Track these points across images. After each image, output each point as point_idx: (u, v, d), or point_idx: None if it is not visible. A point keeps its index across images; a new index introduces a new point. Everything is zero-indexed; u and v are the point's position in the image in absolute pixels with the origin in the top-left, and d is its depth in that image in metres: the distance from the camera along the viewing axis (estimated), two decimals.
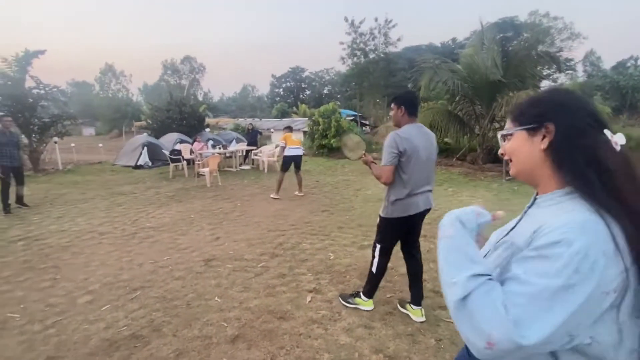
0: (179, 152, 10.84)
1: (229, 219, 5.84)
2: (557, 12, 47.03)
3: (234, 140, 14.88)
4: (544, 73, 12.19)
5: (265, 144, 14.38)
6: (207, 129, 17.36)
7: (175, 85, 51.61)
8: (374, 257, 2.82)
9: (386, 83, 26.19)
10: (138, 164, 12.01)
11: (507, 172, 7.57)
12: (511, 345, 0.63)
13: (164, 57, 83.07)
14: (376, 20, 22.27)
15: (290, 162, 7.36)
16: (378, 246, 2.79)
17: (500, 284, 0.71)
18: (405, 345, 2.49)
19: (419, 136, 2.57)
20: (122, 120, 34.57)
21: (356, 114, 20.93)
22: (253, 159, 12.33)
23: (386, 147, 2.54)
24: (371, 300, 2.95)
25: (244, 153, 12.57)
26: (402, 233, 2.75)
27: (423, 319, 2.77)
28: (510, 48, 15.09)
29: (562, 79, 27.21)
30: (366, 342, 2.53)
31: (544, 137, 0.80)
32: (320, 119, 14.29)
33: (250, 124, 14.90)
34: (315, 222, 5.55)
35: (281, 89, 52.40)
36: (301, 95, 49.54)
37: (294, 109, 29.22)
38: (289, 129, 7.94)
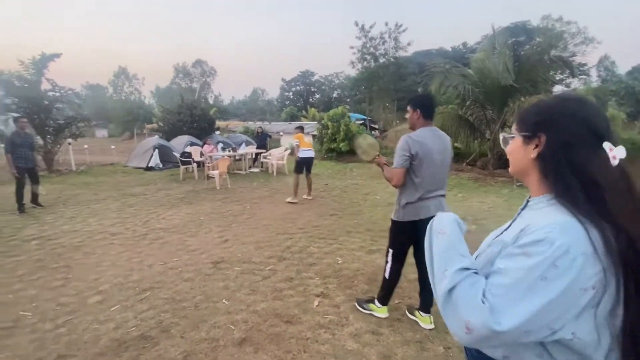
0: (189, 155, 10.96)
1: (237, 221, 5.87)
2: (570, 16, 46.40)
3: (244, 143, 14.98)
4: (557, 78, 12.05)
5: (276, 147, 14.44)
6: (217, 132, 17.50)
7: (187, 88, 52.23)
8: (386, 262, 2.80)
9: (396, 87, 26.16)
10: (149, 165, 12.16)
11: None
12: (487, 330, 0.68)
13: (176, 60, 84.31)
14: (386, 24, 22.30)
15: (304, 164, 7.33)
16: (390, 251, 2.77)
17: (486, 277, 0.76)
18: (414, 353, 2.46)
19: (433, 140, 2.55)
20: (134, 123, 35.04)
21: (365, 118, 20.89)
22: (262, 162, 12.40)
23: (398, 149, 2.53)
24: (385, 308, 2.91)
25: (253, 156, 12.64)
26: (413, 237, 2.72)
27: (432, 326, 2.74)
28: (522, 52, 14.91)
29: (576, 84, 26.76)
30: (374, 348, 2.51)
31: (536, 146, 0.84)
32: (329, 123, 14.31)
33: (260, 127, 14.99)
34: (323, 226, 5.54)
35: (291, 93, 52.69)
36: (310, 99, 49.70)
37: (304, 112, 29.32)
38: (301, 128, 7.75)
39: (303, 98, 49.99)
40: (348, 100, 42.05)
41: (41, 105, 11.20)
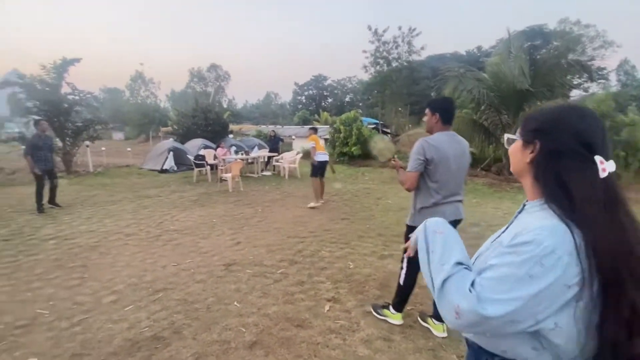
0: (203, 158, 11.08)
1: (249, 224, 5.90)
2: (589, 19, 45.49)
3: (256, 147, 15.06)
4: (575, 82, 11.78)
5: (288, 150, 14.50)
6: (231, 135, 17.69)
7: (201, 92, 52.95)
8: (402, 268, 2.77)
9: (409, 91, 25.95)
10: (164, 168, 12.35)
11: None
12: (474, 315, 0.76)
13: (191, 64, 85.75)
14: (400, 28, 22.14)
15: (321, 168, 7.27)
16: (405, 257, 2.73)
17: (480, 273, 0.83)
18: None
19: (450, 144, 2.49)
20: (149, 126, 35.60)
21: (378, 122, 20.79)
22: (274, 165, 12.46)
23: (413, 153, 2.50)
24: (400, 314, 2.86)
25: (266, 159, 12.72)
26: None
27: (445, 334, 2.69)
28: (538, 56, 14.65)
29: (594, 89, 26.12)
30: (385, 355, 2.48)
31: (532, 151, 0.90)
32: (341, 127, 14.31)
33: (273, 130, 15.10)
34: (335, 230, 5.52)
35: (303, 97, 52.87)
36: (323, 103, 49.76)
37: (316, 116, 29.34)
38: (315, 130, 7.60)
39: (315, 102, 50.10)
40: (360, 104, 41.94)
41: (61, 108, 11.51)
